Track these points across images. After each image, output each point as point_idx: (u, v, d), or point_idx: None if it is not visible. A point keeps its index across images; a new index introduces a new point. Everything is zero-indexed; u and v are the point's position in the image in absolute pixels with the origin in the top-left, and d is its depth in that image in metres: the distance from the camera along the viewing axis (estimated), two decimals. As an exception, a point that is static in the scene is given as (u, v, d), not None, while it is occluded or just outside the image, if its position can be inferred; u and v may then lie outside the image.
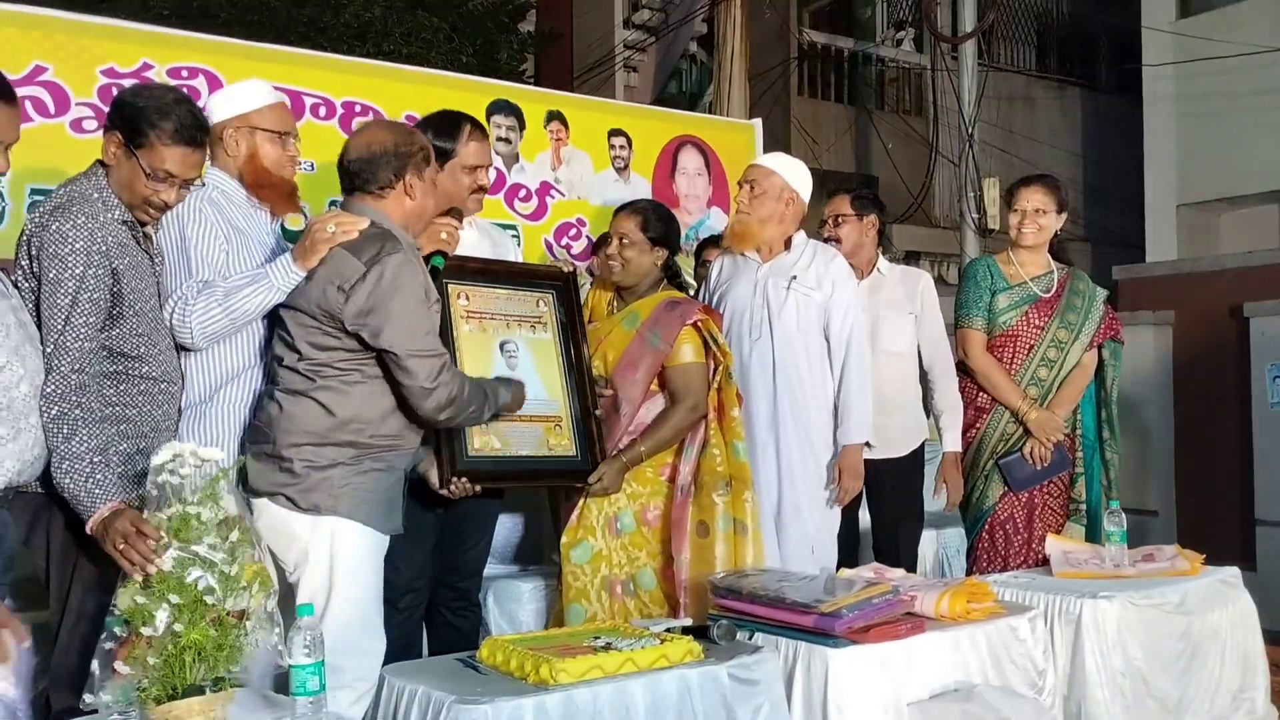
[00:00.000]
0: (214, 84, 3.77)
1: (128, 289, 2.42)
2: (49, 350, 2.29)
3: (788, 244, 3.66)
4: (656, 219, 3.41)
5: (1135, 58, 9.37)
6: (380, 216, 2.67)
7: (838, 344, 3.59)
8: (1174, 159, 9.00)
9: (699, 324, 3.31)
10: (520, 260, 3.54)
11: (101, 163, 2.49)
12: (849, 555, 3.82)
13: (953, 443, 4.00)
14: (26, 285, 2.38)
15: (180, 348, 2.65)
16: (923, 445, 4.03)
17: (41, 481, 2.33)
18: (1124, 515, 3.65)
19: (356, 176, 2.69)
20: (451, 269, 2.98)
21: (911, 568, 3.91)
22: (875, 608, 2.75)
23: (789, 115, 10.48)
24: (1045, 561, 3.72)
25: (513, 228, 4.49)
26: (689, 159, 5.21)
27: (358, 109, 4.18)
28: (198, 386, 2.69)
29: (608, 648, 2.50)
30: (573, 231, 4.80)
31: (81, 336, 2.31)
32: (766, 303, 3.59)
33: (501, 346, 3.14)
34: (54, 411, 2.25)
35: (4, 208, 3.46)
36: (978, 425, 4.04)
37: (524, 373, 3.10)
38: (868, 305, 3.85)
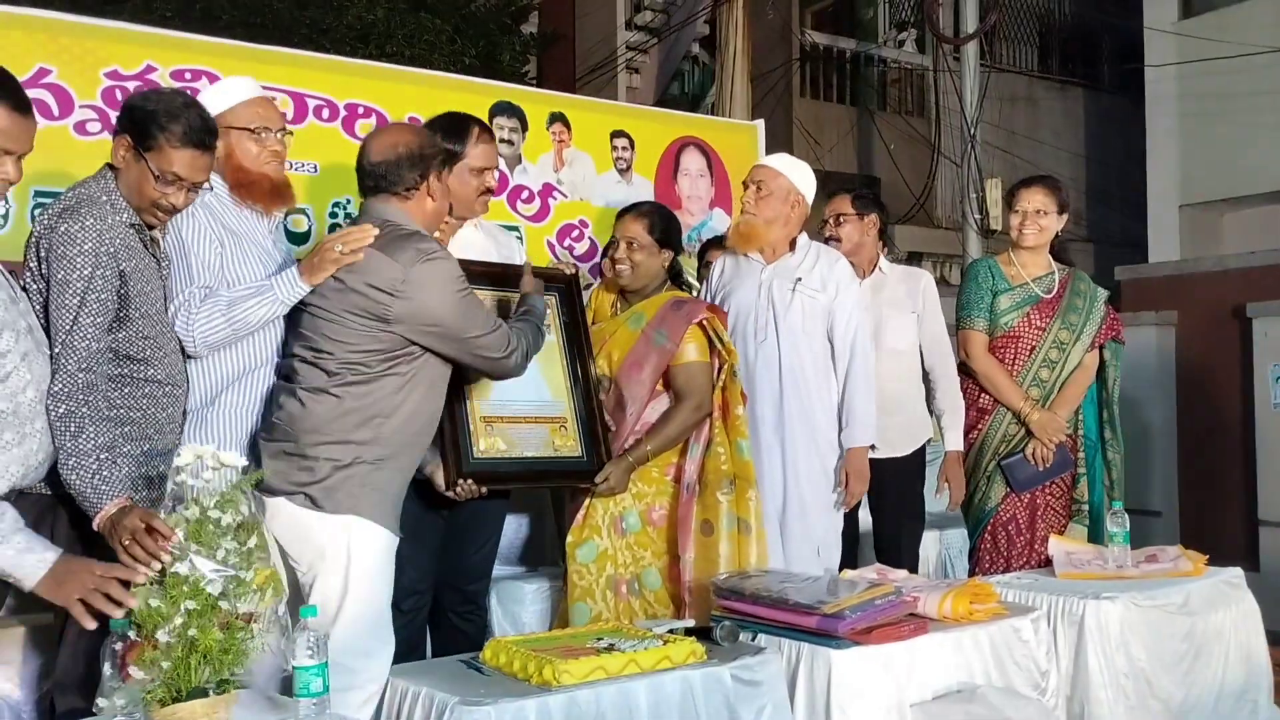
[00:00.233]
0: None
1: (134, 291, 2.42)
2: (56, 350, 2.30)
3: (792, 245, 3.66)
4: (662, 221, 3.44)
5: (1137, 58, 9.36)
6: (404, 218, 2.69)
7: (842, 347, 3.59)
8: (1176, 159, 8.99)
9: (704, 322, 3.32)
10: (524, 262, 3.54)
11: (110, 166, 2.50)
12: (849, 556, 3.82)
13: (955, 442, 4.01)
14: (35, 288, 2.38)
15: (182, 351, 2.65)
16: (924, 445, 4.03)
17: (47, 482, 2.33)
18: (1127, 516, 3.65)
19: (382, 178, 2.71)
20: None
21: (913, 568, 3.91)
22: (878, 609, 2.76)
23: (791, 116, 10.48)
24: (1048, 562, 3.73)
25: (515, 229, 4.49)
26: (691, 160, 5.20)
27: (360, 111, 4.18)
28: (199, 391, 2.69)
29: (610, 649, 2.50)
30: (575, 233, 4.80)
31: (89, 337, 2.32)
32: (771, 304, 3.59)
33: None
34: (61, 410, 2.26)
35: (8, 210, 3.46)
36: (980, 426, 4.04)
37: (528, 375, 3.11)
38: (870, 305, 3.86)
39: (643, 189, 4.96)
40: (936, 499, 4.13)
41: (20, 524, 2.06)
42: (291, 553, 2.62)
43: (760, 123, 5.60)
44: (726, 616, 2.85)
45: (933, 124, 11.06)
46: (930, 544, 4.65)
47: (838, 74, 11.21)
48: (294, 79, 4.09)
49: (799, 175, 3.66)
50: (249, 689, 2.24)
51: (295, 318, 2.68)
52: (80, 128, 3.60)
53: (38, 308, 2.36)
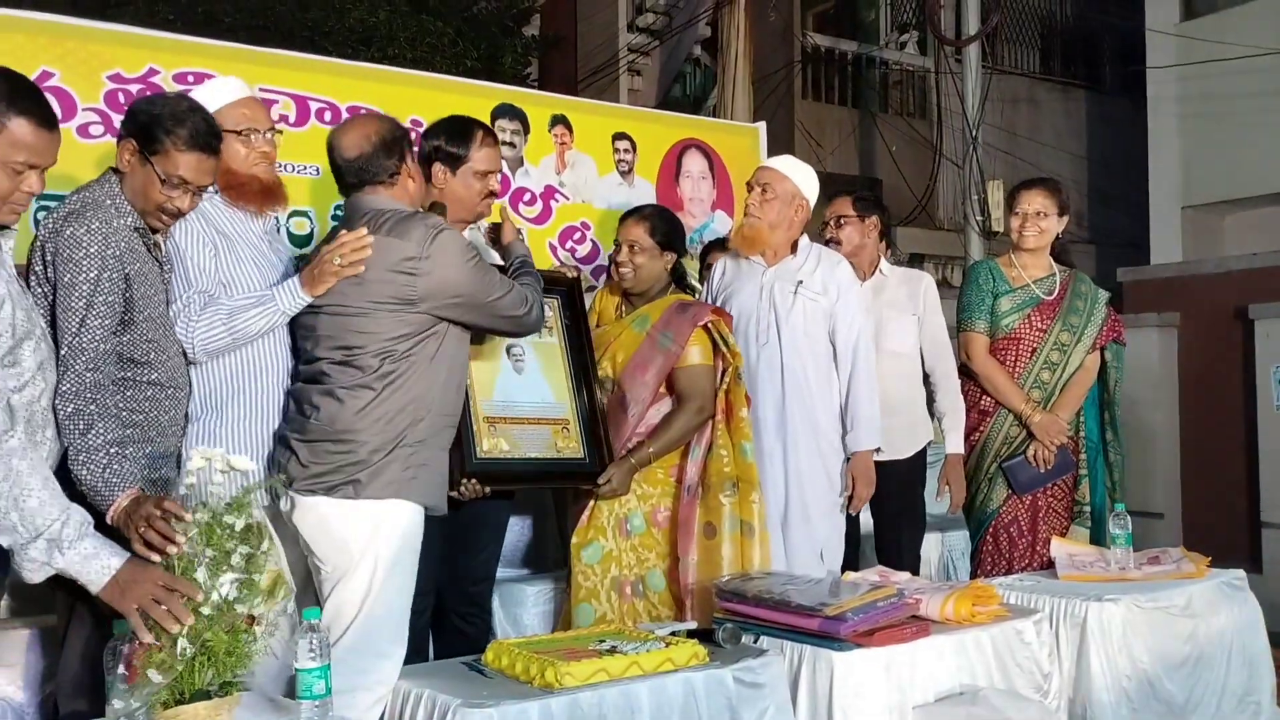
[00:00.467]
0: (219, 89, 3.77)
1: (138, 295, 2.43)
2: (64, 352, 2.30)
3: (793, 248, 3.66)
4: (663, 223, 3.45)
5: (1139, 60, 9.36)
6: (394, 204, 2.71)
7: (844, 350, 3.59)
8: (1178, 161, 8.99)
9: (710, 325, 3.33)
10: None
11: (114, 170, 2.50)
12: (851, 558, 3.82)
13: (955, 444, 4.00)
14: (41, 291, 2.38)
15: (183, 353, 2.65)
16: (925, 448, 4.03)
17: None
18: (1129, 518, 3.65)
19: (363, 171, 2.72)
20: None
21: (915, 570, 3.91)
22: (880, 611, 2.76)
23: (793, 118, 10.48)
24: (1050, 564, 3.73)
25: (517, 231, 4.49)
26: (693, 162, 5.21)
27: (363, 113, 4.18)
28: (199, 397, 2.69)
29: (613, 651, 2.50)
30: (577, 235, 4.80)
31: (96, 338, 2.33)
32: (773, 307, 3.59)
33: (508, 351, 3.16)
34: (69, 409, 2.26)
35: (13, 214, 3.46)
36: (981, 428, 4.04)
37: (531, 376, 3.12)
38: (870, 306, 3.86)
39: (644, 191, 4.97)
40: (937, 501, 4.13)
41: (88, 528, 2.06)
42: (318, 552, 2.62)
43: (762, 125, 5.61)
44: (729, 619, 2.85)
45: (934, 126, 11.06)
46: (932, 546, 4.65)
47: (839, 76, 11.21)
48: (296, 82, 4.10)
49: (803, 178, 3.65)
50: (251, 691, 2.25)
51: (312, 325, 2.68)
52: (83, 130, 3.60)
53: (44, 312, 2.36)
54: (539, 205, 4.70)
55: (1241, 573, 3.64)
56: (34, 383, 2.18)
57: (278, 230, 3.12)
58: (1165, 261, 8.73)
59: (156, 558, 2.04)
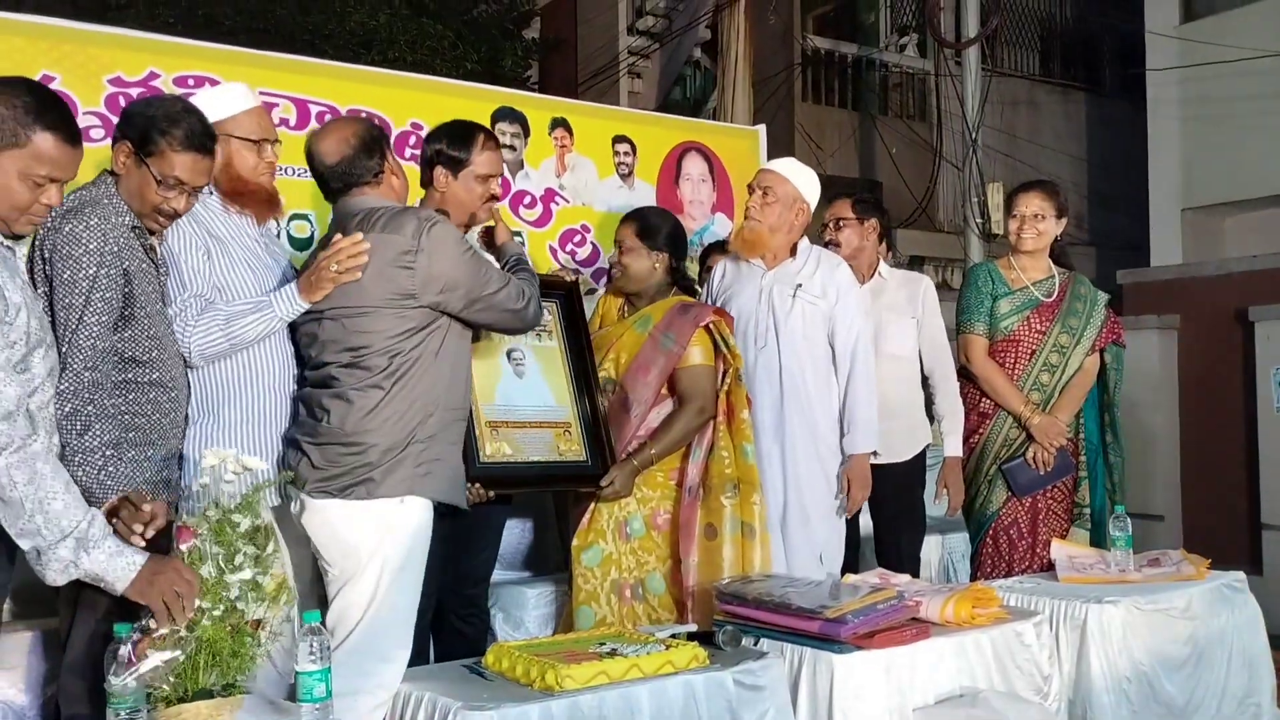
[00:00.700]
0: (218, 92, 3.78)
1: (138, 290, 2.43)
2: (63, 349, 2.30)
3: (793, 251, 3.66)
4: (652, 223, 3.48)
5: (1139, 62, 9.36)
6: (384, 202, 2.72)
7: (843, 353, 3.59)
8: (1178, 163, 9.00)
9: (711, 326, 3.34)
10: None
11: (110, 173, 2.51)
12: (851, 560, 3.82)
13: (954, 447, 4.00)
14: (39, 290, 2.39)
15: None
16: (924, 450, 4.03)
17: None
18: (1129, 520, 3.65)
19: (347, 175, 2.73)
20: None
21: (915, 573, 3.91)
22: (880, 613, 2.76)
23: (793, 121, 10.48)
24: (1050, 566, 3.73)
25: (518, 234, 4.50)
26: (693, 165, 5.21)
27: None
28: (196, 401, 2.69)
29: (613, 654, 2.51)
30: (577, 238, 4.81)
31: (94, 335, 2.33)
32: (772, 310, 3.59)
33: (508, 355, 3.17)
34: (67, 408, 2.26)
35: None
36: (980, 431, 4.04)
37: (531, 380, 3.13)
38: (870, 310, 3.85)
39: (645, 194, 4.97)
40: (936, 504, 4.13)
41: (109, 529, 2.08)
42: (326, 555, 2.63)
43: (762, 128, 5.61)
44: (729, 621, 2.86)
45: (934, 128, 11.06)
46: (932, 548, 4.65)
47: (839, 78, 11.21)
48: (297, 85, 4.11)
49: (805, 181, 3.66)
50: (252, 694, 2.25)
51: (315, 331, 2.69)
52: (84, 134, 3.59)
53: (45, 309, 2.36)
54: (539, 208, 4.70)
55: (1242, 575, 3.64)
56: (43, 389, 2.18)
57: (277, 235, 3.12)
58: (1165, 264, 8.73)
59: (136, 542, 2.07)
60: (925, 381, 4.04)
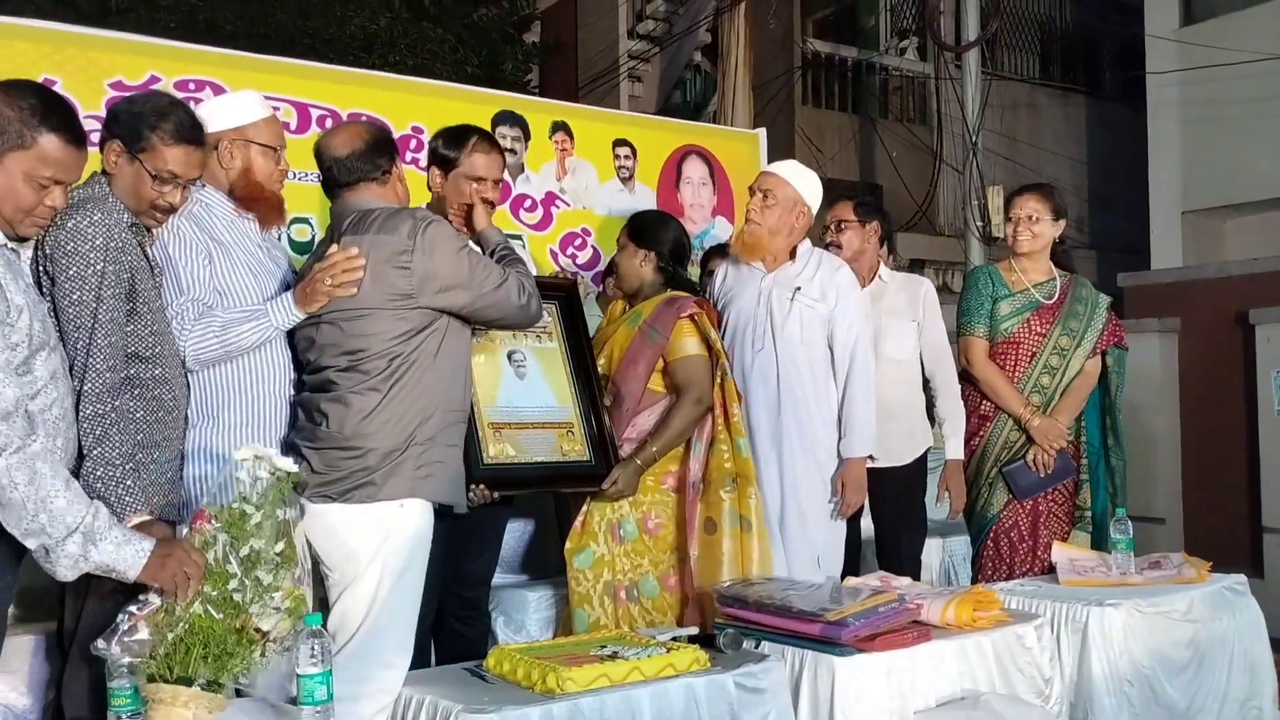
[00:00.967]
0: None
1: (140, 288, 2.43)
2: (81, 347, 2.30)
3: (792, 254, 3.66)
4: (643, 222, 3.54)
5: (1139, 65, 9.37)
6: (383, 204, 2.72)
7: (841, 355, 3.58)
8: (1178, 166, 9.00)
9: (694, 317, 3.34)
10: (534, 272, 3.56)
11: (103, 173, 2.50)
12: (852, 564, 3.82)
13: (955, 450, 4.00)
14: (43, 290, 2.38)
15: None
16: (925, 453, 4.03)
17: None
18: (1130, 522, 3.65)
19: (354, 169, 2.74)
20: None
21: (916, 576, 3.90)
22: (881, 616, 2.76)
23: (793, 124, 10.49)
24: (1051, 569, 3.72)
25: (519, 238, 4.51)
26: (693, 169, 5.22)
27: (355, 121, 4.19)
28: (195, 403, 2.69)
29: (614, 657, 2.51)
30: (578, 241, 4.81)
31: (111, 332, 2.33)
32: (770, 314, 3.59)
33: (509, 356, 3.17)
34: (90, 410, 2.27)
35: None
36: (981, 433, 4.04)
37: (533, 381, 3.14)
38: (870, 313, 3.85)
39: (645, 197, 4.98)
40: (938, 507, 4.13)
41: (114, 519, 2.10)
42: (327, 559, 2.62)
43: (762, 131, 5.62)
44: (730, 624, 2.86)
45: (934, 131, 11.06)
46: (933, 551, 4.64)
47: (839, 82, 11.22)
48: (298, 89, 4.12)
49: (806, 185, 3.65)
50: (251, 700, 2.25)
51: (312, 335, 2.69)
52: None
53: (50, 308, 2.36)
54: (540, 211, 4.71)
55: (1243, 577, 3.63)
56: (45, 392, 2.17)
57: (279, 239, 3.13)
58: (1166, 267, 8.72)
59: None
60: (926, 385, 4.04)
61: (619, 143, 4.97)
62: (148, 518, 2.24)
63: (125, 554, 2.06)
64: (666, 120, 6.29)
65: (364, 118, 4.15)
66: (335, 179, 2.76)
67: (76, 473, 2.24)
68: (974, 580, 4.10)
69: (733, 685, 2.53)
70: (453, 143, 3.15)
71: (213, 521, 2.13)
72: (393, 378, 2.61)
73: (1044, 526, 3.98)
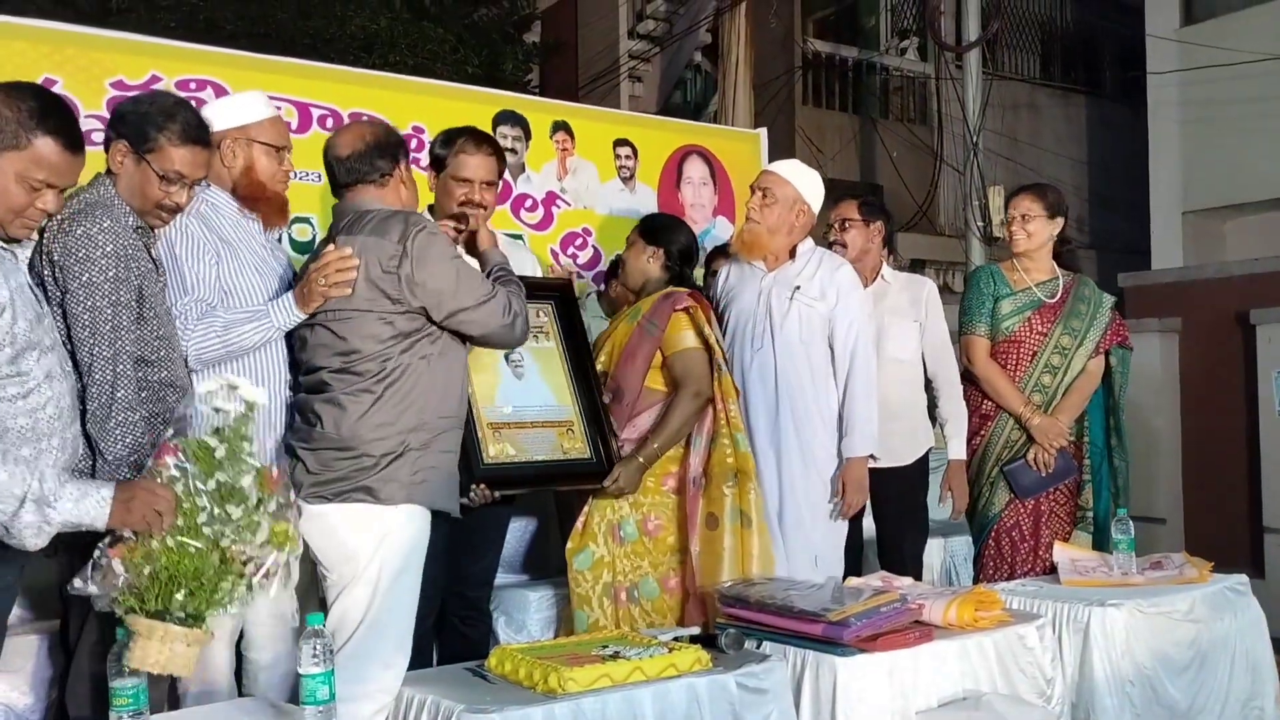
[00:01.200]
0: (222, 96, 3.79)
1: (147, 292, 2.44)
2: (103, 353, 2.31)
3: (793, 253, 3.65)
4: (654, 220, 3.58)
5: (1139, 65, 9.37)
6: (382, 206, 2.72)
7: (842, 354, 3.58)
8: (1179, 166, 9.00)
9: (689, 310, 3.34)
10: (538, 273, 3.57)
11: (108, 173, 2.50)
12: (854, 564, 3.82)
13: (957, 450, 4.00)
14: (50, 295, 2.37)
15: None
16: (928, 454, 4.03)
17: None
18: (1131, 523, 3.65)
19: (354, 170, 2.74)
20: None
21: (917, 576, 3.90)
22: (883, 616, 2.76)
23: (794, 124, 10.49)
24: (1052, 569, 3.72)
25: (519, 238, 4.50)
26: (694, 168, 5.22)
27: (365, 120, 4.19)
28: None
29: (616, 656, 2.50)
30: (579, 241, 4.81)
31: (128, 339, 2.34)
32: (769, 313, 3.58)
33: (506, 357, 3.17)
34: (121, 418, 2.31)
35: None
36: (982, 432, 4.04)
37: (531, 381, 3.13)
38: (872, 313, 3.84)
39: (646, 197, 4.98)
40: (941, 507, 4.13)
41: (63, 476, 2.09)
42: (324, 560, 2.62)
43: (763, 131, 5.62)
44: (731, 624, 2.85)
45: (935, 131, 11.06)
46: (934, 551, 4.64)
47: (840, 82, 11.23)
48: (298, 89, 4.12)
49: (806, 184, 3.65)
50: (253, 699, 2.24)
51: (307, 336, 2.70)
52: (86, 138, 3.58)
53: (58, 314, 2.35)
54: (540, 211, 4.70)
55: (1244, 577, 3.63)
56: (39, 391, 2.17)
57: (279, 240, 3.13)
58: (1166, 267, 8.73)
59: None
60: (928, 385, 4.04)
61: (620, 142, 4.96)
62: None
63: (87, 507, 2.05)
64: (667, 120, 6.28)
65: (366, 118, 4.15)
66: (336, 179, 2.77)
67: (79, 471, 2.24)
68: (975, 580, 4.10)
69: (735, 685, 2.52)
70: (445, 143, 3.18)
71: (179, 455, 2.11)
72: (385, 380, 2.60)
73: (1046, 526, 3.98)
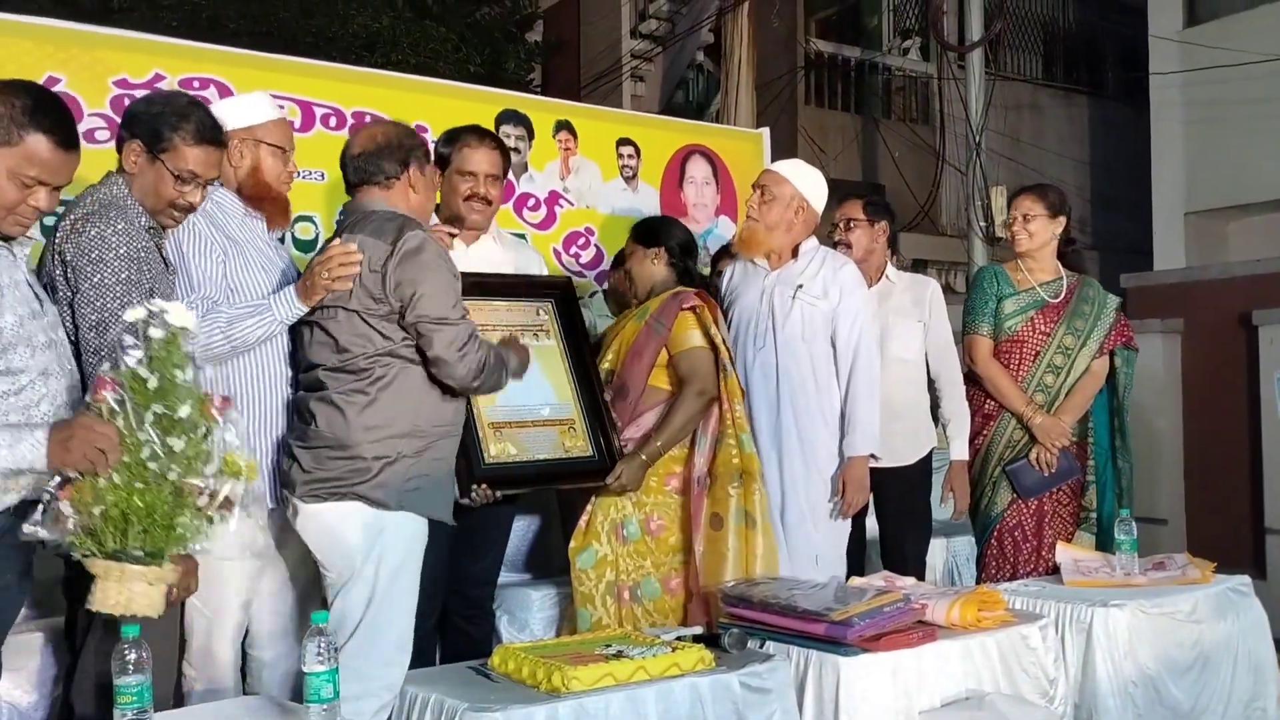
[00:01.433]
0: (225, 94, 3.78)
1: (159, 293, 2.43)
2: (110, 355, 2.30)
3: (796, 252, 3.66)
4: (644, 225, 3.58)
5: (1142, 66, 9.37)
6: (387, 208, 2.72)
7: (844, 352, 3.58)
8: (1181, 167, 8.99)
9: (696, 309, 3.35)
10: (544, 272, 3.58)
11: (120, 171, 2.50)
12: (857, 564, 3.81)
13: (960, 451, 4.00)
14: (59, 294, 2.36)
15: None
16: (930, 454, 4.02)
17: None
18: (1134, 523, 3.64)
19: (361, 170, 2.75)
20: None
21: (920, 576, 3.90)
22: (886, 616, 2.76)
23: (796, 124, 10.49)
24: (1055, 569, 3.72)
25: (522, 237, 4.50)
26: (697, 168, 5.22)
27: (368, 119, 4.19)
28: None
29: (619, 656, 2.50)
30: (581, 240, 4.80)
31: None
32: (772, 311, 3.59)
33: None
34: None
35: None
36: (985, 432, 4.04)
37: (532, 380, 3.13)
38: (876, 313, 3.84)
39: (649, 197, 4.98)
40: (943, 507, 4.13)
41: None
42: (323, 558, 2.63)
43: (765, 131, 5.61)
44: (735, 624, 2.85)
45: (937, 132, 11.06)
46: (937, 551, 4.64)
47: (842, 82, 11.23)
48: (302, 87, 4.11)
49: (805, 181, 3.65)
50: (258, 698, 2.24)
51: (305, 333, 2.70)
52: (89, 136, 3.60)
53: (66, 313, 2.35)
54: (543, 210, 4.70)
55: (1247, 579, 3.63)
56: (32, 388, 2.15)
57: (281, 240, 3.14)
58: (1169, 268, 8.72)
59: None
60: (931, 385, 4.03)
61: (623, 142, 4.96)
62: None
63: (21, 452, 2.01)
64: (670, 120, 6.28)
65: (368, 117, 4.16)
66: (346, 177, 2.79)
67: None
68: (978, 580, 4.10)
69: (738, 685, 2.52)
70: (447, 141, 3.21)
71: (115, 389, 2.02)
72: (378, 383, 2.60)
73: (1048, 527, 3.98)
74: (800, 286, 3.58)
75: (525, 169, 4.64)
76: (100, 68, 3.70)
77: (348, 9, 9.54)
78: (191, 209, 2.54)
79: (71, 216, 2.39)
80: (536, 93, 10.08)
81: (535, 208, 4.67)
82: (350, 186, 2.79)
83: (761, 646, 2.80)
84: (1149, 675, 3.21)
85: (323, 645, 2.09)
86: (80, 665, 2.31)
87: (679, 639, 2.69)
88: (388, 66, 7.79)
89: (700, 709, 2.45)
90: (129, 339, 2.06)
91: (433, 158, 3.20)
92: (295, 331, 2.72)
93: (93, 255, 2.32)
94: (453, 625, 3.19)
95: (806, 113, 10.78)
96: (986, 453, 4.04)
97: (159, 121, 2.46)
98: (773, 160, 4.83)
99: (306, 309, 2.64)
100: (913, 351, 3.96)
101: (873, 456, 3.59)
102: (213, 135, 2.51)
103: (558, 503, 3.80)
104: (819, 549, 3.53)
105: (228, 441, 2.10)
